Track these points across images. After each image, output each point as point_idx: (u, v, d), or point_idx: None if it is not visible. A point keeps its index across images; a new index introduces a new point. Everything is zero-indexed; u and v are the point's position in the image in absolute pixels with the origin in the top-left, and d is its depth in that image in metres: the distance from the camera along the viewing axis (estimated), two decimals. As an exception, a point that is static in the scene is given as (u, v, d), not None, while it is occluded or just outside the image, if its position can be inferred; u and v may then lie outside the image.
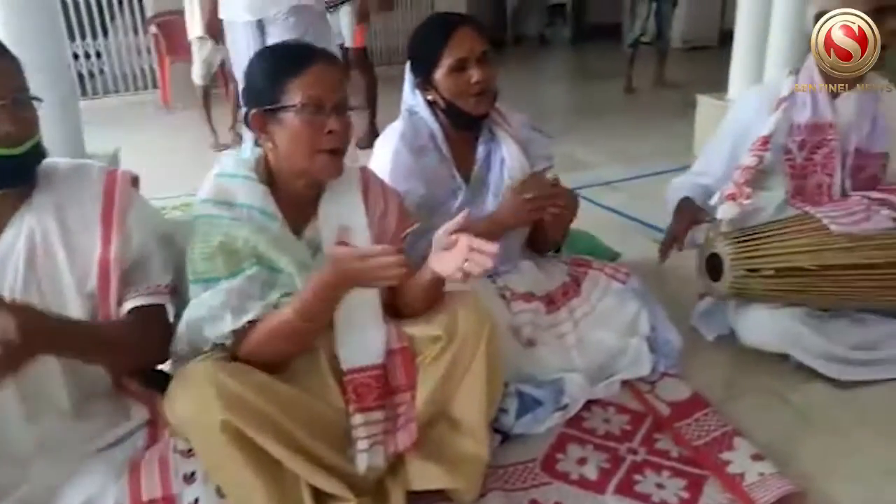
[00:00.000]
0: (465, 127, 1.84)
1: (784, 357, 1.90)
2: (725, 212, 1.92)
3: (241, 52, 3.36)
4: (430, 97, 1.82)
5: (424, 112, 1.84)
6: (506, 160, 1.87)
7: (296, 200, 1.43)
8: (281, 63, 1.37)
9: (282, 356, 1.37)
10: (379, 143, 1.87)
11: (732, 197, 1.93)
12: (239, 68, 3.66)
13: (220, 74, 4.80)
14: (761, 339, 1.90)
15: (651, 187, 3.01)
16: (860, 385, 1.83)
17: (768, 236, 1.84)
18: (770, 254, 1.82)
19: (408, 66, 1.85)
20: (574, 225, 2.02)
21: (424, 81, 1.80)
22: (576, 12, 8.32)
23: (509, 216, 1.78)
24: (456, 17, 1.80)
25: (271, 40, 3.22)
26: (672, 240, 2.02)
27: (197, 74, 4.30)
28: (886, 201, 1.88)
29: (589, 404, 1.76)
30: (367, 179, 1.54)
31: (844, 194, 1.97)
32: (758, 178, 1.95)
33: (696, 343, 2.01)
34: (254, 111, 1.38)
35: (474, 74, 1.74)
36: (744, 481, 1.49)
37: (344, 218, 1.44)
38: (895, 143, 1.99)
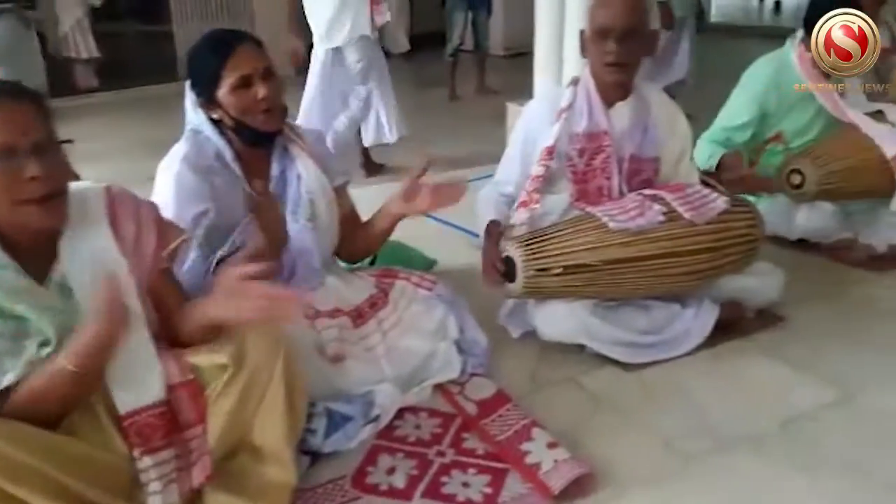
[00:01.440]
0: (256, 144, 1.82)
1: (582, 347, 2.04)
2: (518, 218, 2.05)
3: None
4: (215, 116, 1.78)
5: (209, 131, 1.79)
6: (302, 176, 1.88)
7: (31, 244, 1.31)
8: None
9: (56, 412, 1.28)
10: (161, 167, 1.79)
11: (525, 204, 2.07)
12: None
13: None
14: (557, 332, 2.03)
15: (467, 193, 3.11)
16: (646, 365, 2.00)
17: (554, 237, 1.97)
18: (556, 253, 1.94)
19: (187, 84, 1.80)
20: (393, 236, 2.06)
21: (207, 101, 1.76)
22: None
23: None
24: (232, 34, 1.78)
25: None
26: (491, 265, 2.01)
27: None
28: (657, 197, 2.07)
29: (402, 412, 1.80)
30: (114, 201, 1.41)
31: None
32: (547, 184, 2.08)
33: (503, 341, 2.11)
34: None
35: (260, 91, 1.73)
36: (540, 470, 1.58)
37: (92, 252, 1.33)
38: (665, 149, 2.20)
